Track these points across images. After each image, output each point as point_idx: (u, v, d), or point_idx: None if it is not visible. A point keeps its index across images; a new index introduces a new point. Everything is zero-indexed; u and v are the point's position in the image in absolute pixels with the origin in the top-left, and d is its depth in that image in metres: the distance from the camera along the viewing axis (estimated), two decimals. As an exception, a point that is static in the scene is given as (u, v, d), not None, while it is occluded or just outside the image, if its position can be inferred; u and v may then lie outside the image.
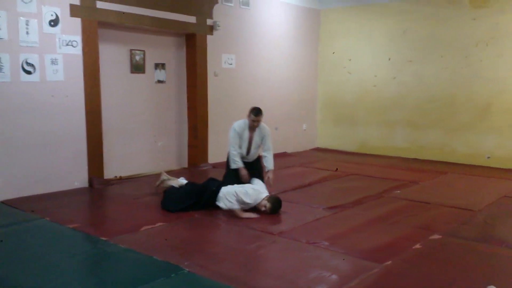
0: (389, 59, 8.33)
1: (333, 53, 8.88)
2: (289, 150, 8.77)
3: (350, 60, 8.83)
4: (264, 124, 5.27)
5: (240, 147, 5.18)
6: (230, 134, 5.16)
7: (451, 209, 4.77)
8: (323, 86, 9.32)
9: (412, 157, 8.12)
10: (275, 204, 4.59)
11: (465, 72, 7.52)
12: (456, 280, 3.08)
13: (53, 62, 5.31)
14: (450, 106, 7.73)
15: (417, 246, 3.68)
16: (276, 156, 8.16)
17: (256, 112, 5.10)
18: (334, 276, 3.09)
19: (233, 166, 5.13)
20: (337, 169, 6.90)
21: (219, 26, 7.13)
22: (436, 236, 3.90)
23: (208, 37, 7.07)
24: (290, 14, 8.53)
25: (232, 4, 7.39)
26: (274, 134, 8.48)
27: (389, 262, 3.32)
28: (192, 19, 6.77)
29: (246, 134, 5.18)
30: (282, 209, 4.68)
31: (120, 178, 6.18)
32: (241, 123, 5.21)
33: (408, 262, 3.37)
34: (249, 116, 5.13)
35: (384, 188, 5.67)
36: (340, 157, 8.25)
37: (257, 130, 5.19)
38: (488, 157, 7.38)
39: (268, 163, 5.29)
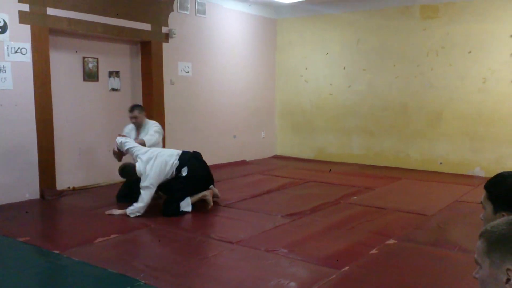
0: (344, 68, 8.51)
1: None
2: (248, 158, 8.77)
3: (306, 69, 8.96)
4: (153, 120, 5.59)
5: None
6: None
7: (406, 214, 4.89)
8: (280, 94, 9.40)
9: (368, 164, 8.30)
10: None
11: (417, 80, 7.78)
12: (411, 284, 3.15)
13: (1, 70, 5.09)
14: (403, 114, 7.96)
15: (374, 251, 3.74)
16: (235, 164, 8.22)
17: (131, 108, 5.35)
18: (292, 284, 3.08)
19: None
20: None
21: (175, 34, 7.06)
22: (391, 241, 3.98)
23: (164, 44, 6.99)
24: (247, 23, 8.57)
25: (188, 12, 7.35)
26: (233, 142, 8.49)
27: (347, 268, 3.35)
28: (147, 26, 6.68)
29: (133, 134, 5.38)
30: (241, 217, 4.65)
31: (74, 189, 5.97)
32: (129, 125, 5.50)
33: (365, 267, 3.41)
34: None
35: (341, 195, 5.75)
36: (298, 165, 8.32)
37: (143, 128, 5.38)
38: (441, 163, 7.64)
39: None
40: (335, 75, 8.63)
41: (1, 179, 5.17)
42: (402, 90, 7.94)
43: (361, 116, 8.40)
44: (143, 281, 3.08)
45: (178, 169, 4.79)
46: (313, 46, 8.83)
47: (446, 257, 3.65)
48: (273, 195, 5.84)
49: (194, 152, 5.16)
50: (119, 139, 5.04)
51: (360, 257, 3.58)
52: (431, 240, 4.09)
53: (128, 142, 5.00)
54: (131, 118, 5.27)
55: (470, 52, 7.25)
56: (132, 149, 4.91)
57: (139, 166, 4.70)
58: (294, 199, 5.63)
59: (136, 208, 4.60)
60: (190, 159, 4.92)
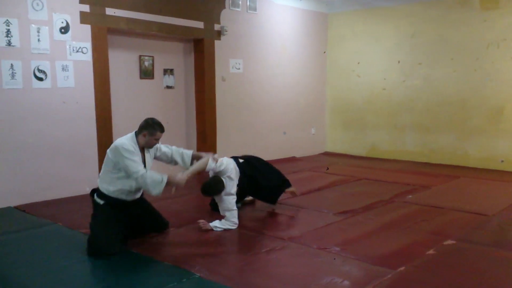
0: (399, 62, 8.28)
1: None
2: (298, 154, 8.74)
3: (359, 63, 8.79)
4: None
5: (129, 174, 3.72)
6: (127, 154, 3.67)
7: (465, 214, 4.70)
8: (331, 89, 9.28)
9: (423, 161, 8.05)
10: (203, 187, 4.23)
11: (476, 74, 7.44)
12: (471, 286, 3.03)
13: (64, 68, 5.34)
14: (461, 109, 7.65)
15: (431, 251, 3.62)
16: (284, 161, 8.20)
17: (162, 127, 3.87)
18: (346, 282, 3.05)
19: (160, 185, 3.72)
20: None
21: (226, 31, 7.13)
22: (449, 242, 3.84)
23: (216, 42, 7.08)
24: (297, 18, 8.52)
25: (239, 9, 7.40)
26: (283, 138, 8.49)
27: (403, 268, 3.27)
28: (200, 24, 6.79)
29: (139, 157, 3.80)
30: (292, 214, 4.66)
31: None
32: (128, 143, 3.73)
33: (422, 268, 3.32)
34: (149, 133, 3.77)
35: (395, 193, 5.61)
36: (349, 162, 8.20)
37: (149, 150, 3.95)
38: (502, 161, 7.29)
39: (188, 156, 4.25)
40: (389, 69, 8.42)
41: (64, 173, 5.44)
42: (460, 84, 7.63)
43: (416, 111, 8.15)
44: (198, 274, 3.15)
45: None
46: (366, 40, 8.65)
47: (509, 260, 3.49)
48: (324, 192, 5.79)
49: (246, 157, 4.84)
50: (212, 164, 4.25)
51: (416, 258, 3.48)
52: (492, 241, 3.92)
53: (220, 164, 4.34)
54: (156, 140, 3.87)
55: (535, 44, 6.86)
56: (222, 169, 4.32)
57: (231, 188, 4.30)
58: (346, 196, 5.55)
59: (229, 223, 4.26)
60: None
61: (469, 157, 7.63)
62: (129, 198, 3.85)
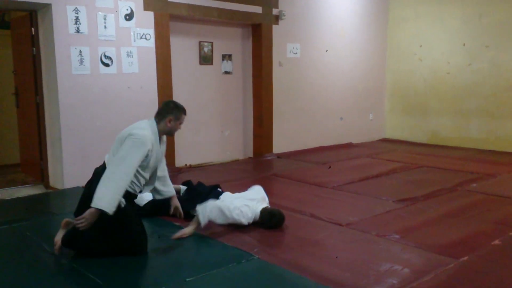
0: (464, 45, 7.90)
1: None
2: (355, 141, 8.60)
3: (421, 46, 8.47)
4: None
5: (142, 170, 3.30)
6: (139, 150, 3.16)
7: (534, 204, 4.47)
8: (391, 73, 9.02)
9: (489, 149, 7.68)
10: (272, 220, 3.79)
11: (550, 57, 6.97)
12: (540, 280, 2.90)
13: (129, 54, 5.55)
14: (532, 95, 7.22)
15: (496, 242, 3.49)
16: (341, 147, 8.12)
17: (185, 109, 3.50)
18: (406, 270, 3.01)
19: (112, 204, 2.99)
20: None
21: (284, 16, 7.09)
22: (517, 232, 3.69)
23: (274, 27, 7.06)
24: (357, 1, 8.31)
25: (298, -7, 7.33)
26: (339, 124, 8.38)
27: (466, 258, 3.18)
28: (258, 9, 6.79)
29: (161, 148, 3.46)
30: (349, 200, 4.62)
31: (190, 166, 6.37)
32: (149, 134, 3.25)
33: (486, 258, 3.21)
34: (175, 118, 3.41)
35: (458, 181, 5.42)
36: (409, 148, 7.98)
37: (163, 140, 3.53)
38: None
39: (170, 186, 3.75)
40: (453, 52, 8.06)
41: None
42: (531, 68, 7.18)
43: (482, 97, 7.77)
44: (257, 256, 3.22)
45: None
46: (429, 22, 8.31)
47: None
48: (382, 179, 5.69)
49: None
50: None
51: (480, 248, 3.37)
52: None
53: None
54: (181, 124, 3.48)
55: None
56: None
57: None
58: (405, 184, 5.43)
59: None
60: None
61: (540, 145, 7.20)
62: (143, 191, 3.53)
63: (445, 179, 5.57)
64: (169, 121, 3.39)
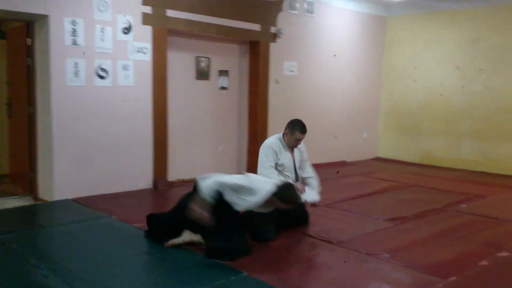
0: (458, 68, 8.02)
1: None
2: (348, 159, 8.65)
3: (415, 68, 8.59)
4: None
5: (280, 172, 4.20)
6: (264, 154, 4.15)
7: (523, 227, 4.51)
8: (386, 94, 9.12)
9: (480, 170, 7.74)
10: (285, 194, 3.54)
11: (542, 82, 7.08)
12: (527, 302, 2.92)
13: (125, 68, 5.59)
14: (524, 118, 7.30)
15: (484, 263, 3.51)
16: (334, 165, 8.15)
17: (303, 128, 4.14)
18: (394, 289, 3.02)
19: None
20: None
21: (282, 34, 7.18)
22: (504, 254, 3.71)
23: (271, 44, 7.15)
24: (355, 22, 8.43)
25: (296, 12, 7.43)
26: (333, 142, 8.43)
27: (454, 278, 3.19)
28: (256, 27, 6.88)
29: (287, 155, 4.20)
30: (341, 218, 4.62)
31: (182, 181, 6.37)
32: (274, 140, 4.21)
33: (474, 279, 3.23)
34: (290, 132, 4.17)
35: (448, 202, 5.46)
36: (402, 168, 8.03)
37: (295, 149, 4.31)
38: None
39: (315, 190, 4.39)
40: (447, 74, 8.17)
41: (120, 168, 5.67)
42: (523, 92, 7.28)
43: (474, 119, 7.86)
44: (246, 273, 3.22)
45: None
46: (424, 45, 8.44)
47: None
48: (374, 198, 5.72)
49: None
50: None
51: (468, 268, 3.39)
52: (552, 257, 3.73)
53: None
54: (299, 140, 4.16)
55: None
56: None
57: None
58: (397, 203, 5.46)
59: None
60: None
61: (531, 168, 7.27)
62: None
63: (436, 199, 5.61)
64: (286, 134, 4.17)
